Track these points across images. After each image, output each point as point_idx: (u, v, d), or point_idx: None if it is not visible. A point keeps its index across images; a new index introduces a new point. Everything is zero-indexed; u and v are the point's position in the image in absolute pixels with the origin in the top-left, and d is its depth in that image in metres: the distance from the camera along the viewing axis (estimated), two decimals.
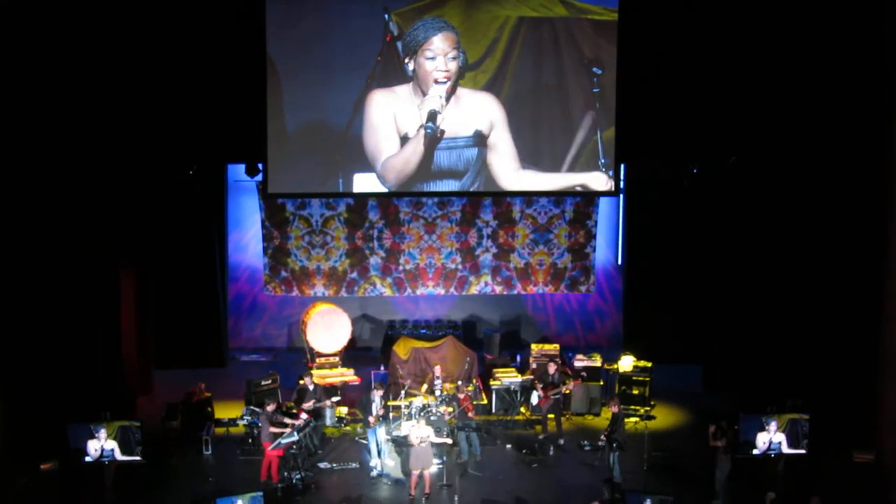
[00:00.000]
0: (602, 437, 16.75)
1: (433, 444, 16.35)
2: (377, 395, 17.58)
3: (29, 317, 17.29)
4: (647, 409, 19.64)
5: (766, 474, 16.02)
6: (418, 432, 16.05)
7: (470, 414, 18.01)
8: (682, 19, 18.50)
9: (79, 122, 17.70)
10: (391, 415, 18.44)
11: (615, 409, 16.84)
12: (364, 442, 18.23)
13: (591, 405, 20.12)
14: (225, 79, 18.47)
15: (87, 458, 15.63)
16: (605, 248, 24.17)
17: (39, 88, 17.14)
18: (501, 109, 19.29)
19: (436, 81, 18.98)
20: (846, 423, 17.28)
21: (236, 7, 18.38)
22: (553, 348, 20.91)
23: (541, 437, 18.61)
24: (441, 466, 16.90)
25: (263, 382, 19.40)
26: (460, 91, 19.18)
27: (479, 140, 19.35)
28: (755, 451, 15.93)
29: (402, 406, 18.53)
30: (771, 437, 15.85)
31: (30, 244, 17.25)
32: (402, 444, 17.43)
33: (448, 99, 19.14)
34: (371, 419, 17.26)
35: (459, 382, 19.31)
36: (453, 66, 18.98)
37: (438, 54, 18.88)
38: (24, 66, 16.88)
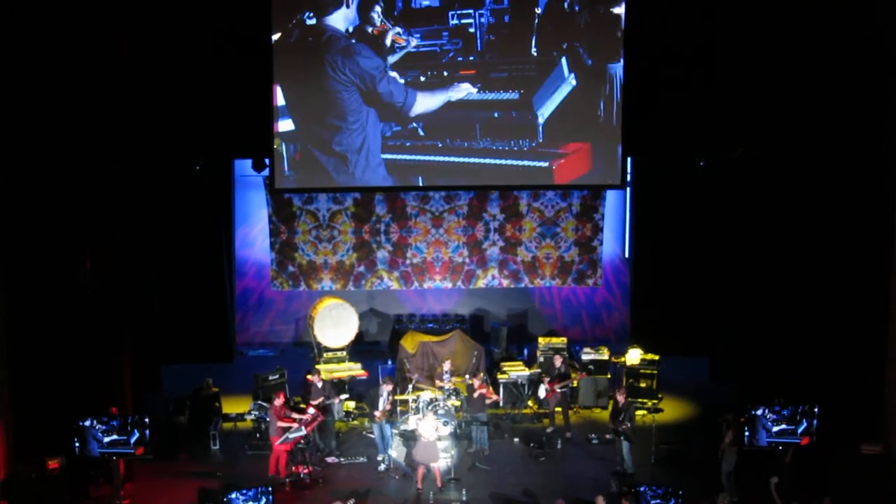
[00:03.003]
0: (618, 425, 16.69)
1: (443, 437, 16.33)
2: (386, 390, 17.60)
3: (36, 313, 17.31)
4: (655, 401, 19.62)
5: (773, 466, 15.98)
6: (425, 426, 16.06)
7: (489, 400, 17.98)
8: (689, 11, 18.43)
9: (85, 118, 17.71)
10: (398, 409, 18.46)
11: (622, 398, 16.85)
12: (371, 436, 18.28)
13: (599, 398, 20.13)
14: (231, 73, 18.46)
15: (95, 454, 15.67)
16: (612, 242, 24.16)
17: (46, 84, 17.14)
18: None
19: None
20: (854, 414, 17.23)
21: (241, 1, 18.38)
22: (560, 342, 20.90)
23: (549, 430, 18.62)
24: (449, 460, 16.93)
25: (271, 377, 19.46)
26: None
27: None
28: (761, 444, 15.91)
29: (410, 400, 18.54)
30: (776, 429, 15.83)
31: (35, 241, 17.26)
32: (410, 438, 17.46)
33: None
34: (378, 413, 17.28)
35: (467, 376, 19.35)
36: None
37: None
38: (30, 62, 16.88)
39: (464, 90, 18.81)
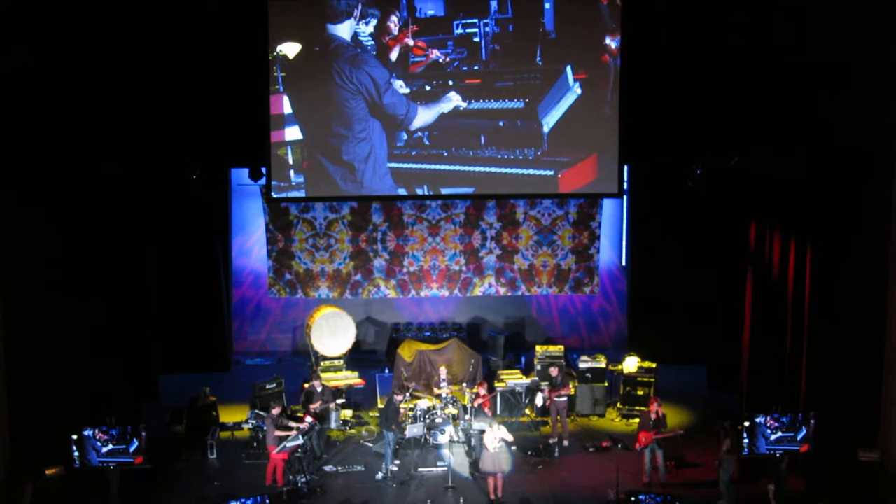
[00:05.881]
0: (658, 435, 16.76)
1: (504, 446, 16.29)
2: (398, 399, 17.70)
3: (34, 322, 17.31)
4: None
5: (770, 474, 16.02)
6: (494, 435, 16.01)
7: (487, 411, 18.07)
8: (685, 20, 18.47)
9: (81, 126, 17.72)
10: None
11: (656, 410, 16.91)
12: (369, 445, 18.33)
13: (596, 406, 20.14)
14: (228, 82, 18.46)
15: (94, 463, 15.67)
16: (609, 250, 24.18)
17: (42, 91, 17.17)
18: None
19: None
20: (851, 421, 17.25)
21: (239, 10, 18.38)
22: (558, 350, 20.90)
23: (552, 441, 18.56)
24: (446, 468, 16.95)
25: (268, 386, 19.46)
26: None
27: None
28: (760, 451, 15.93)
29: (407, 409, 18.55)
30: (774, 437, 15.86)
31: (32, 250, 17.26)
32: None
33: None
34: (405, 427, 17.54)
35: (464, 384, 19.36)
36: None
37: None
38: (25, 68, 16.90)
39: (453, 101, 18.79)
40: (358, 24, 18.39)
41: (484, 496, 16.34)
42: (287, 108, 18.79)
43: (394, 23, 18.39)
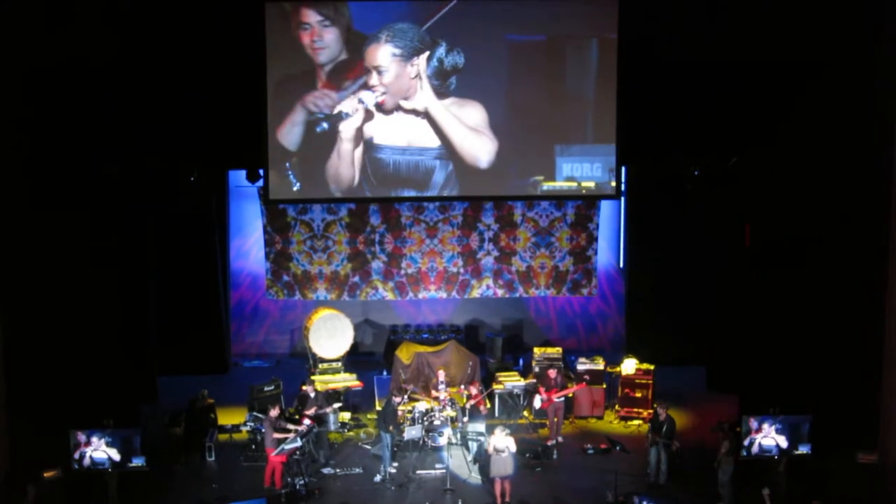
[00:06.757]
0: (657, 438, 16.73)
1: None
2: (396, 400, 17.68)
3: (33, 324, 17.29)
4: (650, 411, 19.61)
5: (768, 475, 16.00)
6: (497, 442, 15.96)
7: (482, 409, 18.02)
8: (683, 21, 18.49)
9: (80, 128, 17.72)
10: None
11: (662, 413, 16.85)
12: (367, 447, 18.30)
13: (594, 408, 20.11)
14: (226, 85, 18.48)
15: (90, 466, 15.63)
16: (607, 251, 24.16)
17: (41, 91, 17.18)
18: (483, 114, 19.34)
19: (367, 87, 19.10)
20: (850, 423, 17.25)
21: (237, 14, 18.38)
22: (556, 352, 20.87)
23: (550, 443, 18.53)
24: (444, 470, 16.92)
25: (266, 388, 19.42)
26: (433, 102, 19.21)
27: (445, 154, 19.37)
28: (758, 453, 15.92)
29: (405, 411, 18.54)
30: (763, 439, 15.88)
31: (31, 253, 17.25)
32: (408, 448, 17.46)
33: (392, 110, 19.22)
34: (403, 428, 17.44)
35: (462, 386, 19.34)
36: (387, 78, 18.96)
37: (370, 67, 18.94)
38: (23, 69, 16.90)
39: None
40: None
41: (483, 499, 16.32)
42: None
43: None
